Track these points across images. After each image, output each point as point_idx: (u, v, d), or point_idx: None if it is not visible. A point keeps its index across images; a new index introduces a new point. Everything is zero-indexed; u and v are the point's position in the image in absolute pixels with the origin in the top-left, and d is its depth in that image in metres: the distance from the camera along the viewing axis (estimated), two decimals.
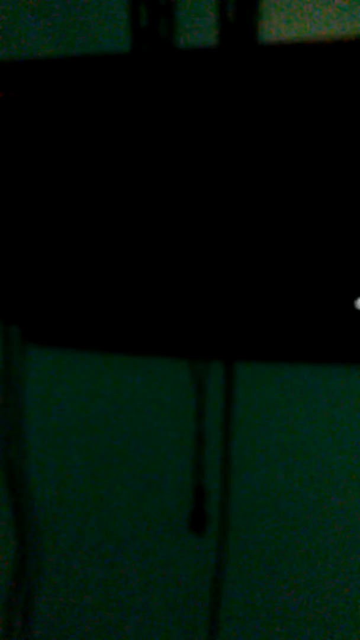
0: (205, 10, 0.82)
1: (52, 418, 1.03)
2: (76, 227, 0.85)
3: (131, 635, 1.07)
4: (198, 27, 0.83)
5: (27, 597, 1.10)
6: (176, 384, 0.96)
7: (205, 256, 0.82)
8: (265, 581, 0.99)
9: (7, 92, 0.80)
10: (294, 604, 0.99)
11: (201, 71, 0.76)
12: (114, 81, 0.78)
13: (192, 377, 0.93)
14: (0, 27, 0.87)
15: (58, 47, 0.85)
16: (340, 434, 0.91)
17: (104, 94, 0.78)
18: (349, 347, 0.81)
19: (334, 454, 0.92)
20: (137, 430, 1.00)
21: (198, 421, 0.95)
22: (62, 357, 1.00)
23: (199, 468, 0.96)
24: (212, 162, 0.78)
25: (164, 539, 1.02)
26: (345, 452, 0.92)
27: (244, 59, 0.75)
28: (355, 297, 0.78)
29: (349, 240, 0.77)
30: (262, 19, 0.81)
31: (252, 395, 0.93)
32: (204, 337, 0.87)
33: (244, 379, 0.93)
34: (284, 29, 0.81)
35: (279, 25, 0.81)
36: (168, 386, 0.96)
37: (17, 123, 0.82)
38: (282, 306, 0.82)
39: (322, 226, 0.77)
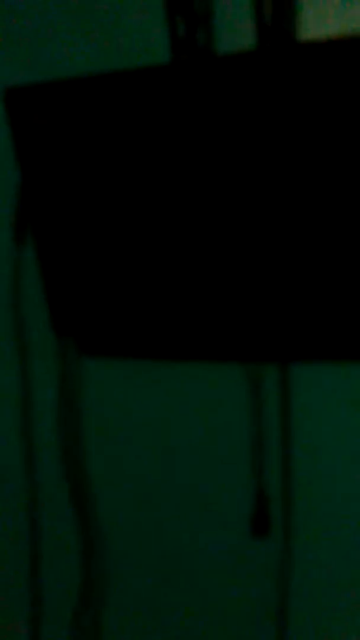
0: (242, 16, 0.82)
1: (111, 428, 1.05)
2: (128, 239, 0.86)
3: (200, 636, 1.08)
4: (236, 32, 0.83)
5: (95, 613, 1.12)
6: (232, 389, 0.96)
7: (258, 261, 0.82)
8: (329, 584, 0.98)
9: (48, 115, 0.82)
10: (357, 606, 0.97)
11: (241, 76, 0.76)
12: (156, 93, 0.78)
13: (248, 381, 0.93)
14: (39, 46, 0.90)
15: (96, 63, 0.86)
16: None
17: (147, 107, 0.79)
18: None
19: None
20: (196, 436, 1.00)
21: (256, 424, 0.94)
22: (118, 368, 1.02)
23: (259, 472, 0.96)
24: (260, 166, 0.78)
25: (227, 545, 1.02)
26: None
27: (283, 60, 0.74)
28: None
29: None
30: (299, 18, 0.80)
31: (310, 397, 0.92)
32: (258, 341, 0.87)
33: (300, 381, 0.92)
34: (321, 26, 0.80)
35: (317, 23, 0.80)
36: (224, 391, 0.96)
37: (61, 141, 0.84)
38: (333, 304, 0.81)
39: None
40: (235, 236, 0.81)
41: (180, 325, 0.89)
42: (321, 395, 0.92)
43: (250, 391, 0.94)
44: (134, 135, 0.81)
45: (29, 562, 1.16)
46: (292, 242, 0.80)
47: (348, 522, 0.95)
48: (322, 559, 0.97)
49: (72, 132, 0.83)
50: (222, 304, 0.85)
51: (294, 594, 1.00)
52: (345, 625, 0.99)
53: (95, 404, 1.05)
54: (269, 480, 0.97)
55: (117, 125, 0.81)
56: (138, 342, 0.96)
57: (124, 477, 1.06)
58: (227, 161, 0.79)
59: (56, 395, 1.04)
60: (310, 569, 0.98)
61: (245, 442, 0.97)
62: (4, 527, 1.15)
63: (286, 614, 1.01)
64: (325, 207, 0.77)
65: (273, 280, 0.82)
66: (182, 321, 0.88)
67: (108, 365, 1.02)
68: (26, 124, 0.84)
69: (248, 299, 0.84)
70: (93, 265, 0.89)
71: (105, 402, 1.04)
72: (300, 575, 0.99)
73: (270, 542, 0.99)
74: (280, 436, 0.94)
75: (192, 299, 0.86)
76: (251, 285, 0.83)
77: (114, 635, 1.15)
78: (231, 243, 0.82)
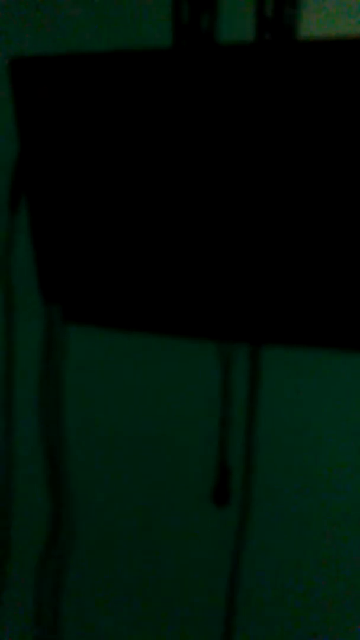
0: (246, 5, 0.85)
1: (88, 395, 1.10)
2: (118, 214, 0.90)
3: (155, 600, 1.15)
4: (240, 20, 0.86)
5: (60, 561, 1.18)
6: (206, 365, 1.00)
7: (238, 243, 0.86)
8: (284, 553, 1.04)
9: (49, 86, 0.85)
10: (312, 576, 1.03)
11: (240, 67, 0.79)
12: (157, 76, 0.81)
13: (220, 358, 0.98)
14: (45, 19, 0.92)
15: (101, 41, 0.89)
16: (355, 415, 0.95)
17: (147, 88, 0.82)
18: None
19: (355, 436, 0.96)
20: (168, 408, 1.05)
21: (224, 401, 0.99)
22: (100, 336, 1.06)
23: (223, 445, 1.01)
24: (251, 155, 0.82)
25: (189, 511, 1.08)
26: None
27: (281, 56, 0.78)
28: None
29: None
30: (301, 14, 0.83)
31: (278, 377, 0.97)
32: (232, 320, 0.91)
33: (271, 362, 0.97)
34: (323, 24, 0.83)
35: (319, 20, 0.83)
36: (197, 367, 1.01)
37: (61, 115, 0.87)
38: (307, 292, 0.85)
39: (348, 221, 0.80)
40: (218, 217, 0.85)
41: (161, 299, 0.93)
42: (290, 378, 0.97)
43: (221, 368, 0.98)
44: (133, 114, 0.84)
45: None
46: (271, 227, 0.84)
47: (305, 497, 1.01)
48: (278, 529, 1.04)
49: (72, 106, 0.86)
50: (201, 282, 0.90)
51: (247, 563, 1.07)
52: (294, 595, 1.06)
53: (76, 370, 1.09)
54: (236, 454, 1.02)
55: (117, 104, 0.84)
56: (120, 313, 1.00)
57: (98, 440, 1.12)
58: (220, 146, 0.82)
59: (39, 357, 1.08)
60: (265, 537, 1.05)
61: (215, 416, 1.02)
62: None
63: (238, 582, 1.07)
64: (309, 198, 0.81)
65: (252, 263, 0.86)
66: (163, 296, 0.93)
67: (91, 332, 1.07)
68: (29, 94, 0.87)
69: (227, 279, 0.88)
70: (83, 236, 0.93)
71: (85, 369, 1.09)
72: (255, 545, 1.06)
73: (229, 511, 1.05)
74: (246, 413, 0.99)
75: (174, 275, 0.91)
76: (231, 266, 0.87)
77: (76, 590, 1.21)
78: (213, 222, 0.86)
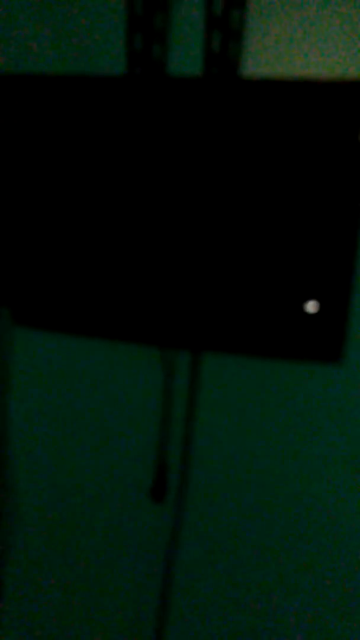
0: (196, 38, 0.91)
1: (34, 396, 1.14)
2: (64, 221, 0.95)
3: (93, 588, 1.19)
4: (188, 53, 0.92)
5: (1, 555, 1.21)
6: (148, 370, 1.06)
7: (181, 254, 0.93)
8: (219, 547, 1.11)
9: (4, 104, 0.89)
10: (246, 568, 1.11)
11: (185, 98, 0.86)
12: (109, 101, 0.87)
13: (163, 364, 1.04)
14: (4, 38, 0.96)
15: (61, 64, 0.94)
16: (293, 420, 1.03)
17: (99, 112, 0.88)
18: (298, 344, 0.92)
19: (289, 436, 1.04)
20: (112, 408, 1.10)
21: (165, 402, 1.06)
22: (47, 340, 1.10)
23: (162, 445, 1.08)
24: (189, 175, 0.89)
25: (128, 505, 1.13)
26: (299, 435, 1.03)
27: (223, 90, 0.85)
28: (304, 302, 0.90)
29: (301, 254, 0.88)
30: (247, 53, 0.90)
31: (217, 382, 1.04)
32: (174, 328, 0.98)
33: (211, 368, 1.04)
34: (267, 64, 0.90)
35: (263, 60, 0.90)
36: (141, 371, 1.07)
37: (18, 128, 0.91)
38: (243, 305, 0.93)
39: (280, 239, 0.88)
40: (160, 226, 0.92)
41: (107, 305, 0.98)
42: (227, 382, 1.03)
43: (163, 373, 1.05)
44: (83, 129, 0.89)
45: None
46: (208, 238, 0.91)
47: (237, 495, 1.08)
48: (211, 523, 1.10)
49: (29, 122, 0.90)
50: (144, 289, 0.96)
51: (181, 558, 1.13)
52: (227, 589, 1.13)
53: (22, 373, 1.13)
54: (170, 453, 1.08)
55: (70, 120, 0.89)
56: (68, 317, 1.05)
57: (42, 439, 1.15)
58: (163, 163, 0.89)
59: None
60: (199, 532, 1.11)
61: (156, 418, 1.08)
62: None
63: (172, 574, 1.14)
64: (242, 212, 0.89)
65: (192, 272, 0.93)
66: (109, 302, 0.98)
67: (38, 336, 1.10)
68: None
69: (167, 286, 0.95)
70: (31, 242, 0.97)
71: (31, 371, 1.12)
72: (189, 539, 1.12)
73: (165, 507, 1.11)
74: (185, 415, 1.05)
75: (118, 282, 0.96)
76: (172, 273, 0.94)
77: (17, 584, 1.24)
78: (156, 232, 0.92)
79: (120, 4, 0.90)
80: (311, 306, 0.90)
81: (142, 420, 1.09)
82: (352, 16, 0.85)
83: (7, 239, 0.98)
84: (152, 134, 0.87)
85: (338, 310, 0.90)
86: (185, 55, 0.91)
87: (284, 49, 0.89)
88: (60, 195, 0.94)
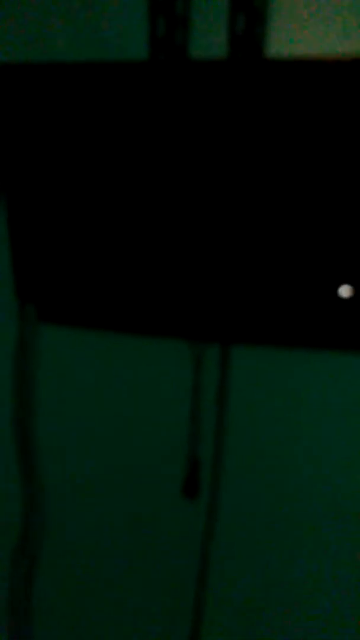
0: (219, 21, 0.90)
1: (62, 392, 1.13)
2: (92, 217, 0.93)
3: (128, 592, 1.18)
4: (212, 36, 0.90)
5: (31, 560, 1.21)
6: (177, 364, 1.05)
7: (209, 246, 0.91)
8: (253, 546, 1.09)
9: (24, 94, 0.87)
10: (282, 568, 1.09)
11: (210, 81, 0.84)
12: (133, 87, 0.85)
13: (192, 357, 1.02)
14: (24, 29, 0.95)
15: (81, 52, 0.92)
16: (324, 414, 1.01)
17: (123, 99, 0.86)
18: (333, 333, 0.90)
19: (322, 431, 1.01)
20: (141, 404, 1.09)
21: (194, 397, 1.04)
22: (73, 336, 1.09)
23: (193, 440, 1.06)
24: (217, 163, 0.87)
25: (160, 503, 1.12)
26: (332, 430, 1.01)
27: (249, 72, 0.83)
28: (337, 286, 0.87)
29: (332, 238, 0.86)
30: (272, 33, 0.88)
31: (248, 375, 1.02)
32: (203, 321, 0.96)
33: (241, 361, 1.02)
34: (292, 44, 0.88)
35: (287, 40, 0.88)
36: (170, 364, 1.05)
37: (42, 120, 0.90)
38: (273, 294, 0.91)
39: (312, 224, 0.86)
40: (190, 219, 0.90)
41: (133, 300, 0.97)
42: (259, 376, 1.02)
43: (193, 366, 1.03)
44: (108, 120, 0.88)
45: None
46: (240, 229, 0.89)
47: (271, 490, 1.06)
48: (245, 522, 1.08)
49: (53, 113, 0.89)
50: (173, 282, 0.94)
51: (215, 555, 1.11)
52: (263, 586, 1.11)
53: (50, 369, 1.12)
54: (203, 449, 1.07)
55: (95, 111, 0.88)
56: (94, 313, 1.03)
57: (72, 437, 1.14)
58: (192, 154, 0.87)
59: (14, 356, 1.10)
60: (233, 529, 1.09)
61: (187, 412, 1.06)
62: None
63: (207, 572, 1.12)
64: (275, 203, 0.86)
65: (221, 264, 0.91)
66: (136, 297, 0.96)
67: (64, 332, 1.09)
68: (11, 100, 0.89)
69: (197, 279, 0.93)
70: (57, 237, 0.96)
71: (59, 368, 1.11)
72: (224, 536, 1.10)
73: (198, 503, 1.09)
74: (216, 409, 1.03)
75: (146, 276, 0.95)
76: (201, 266, 0.92)
77: (48, 586, 1.23)
78: (185, 224, 0.90)
79: None
80: (345, 290, 0.87)
81: (173, 415, 1.07)
82: None
83: (29, 235, 0.97)
84: (179, 119, 0.86)
85: None
86: (209, 40, 0.90)
87: (309, 29, 0.87)
88: (84, 187, 0.92)
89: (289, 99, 0.82)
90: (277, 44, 0.87)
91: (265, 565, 1.09)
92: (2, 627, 1.26)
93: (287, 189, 0.85)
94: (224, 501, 1.08)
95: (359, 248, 0.85)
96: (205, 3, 0.88)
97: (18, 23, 0.94)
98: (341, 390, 0.99)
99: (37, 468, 1.17)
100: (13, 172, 0.94)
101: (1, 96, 0.90)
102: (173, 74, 0.84)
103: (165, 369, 1.05)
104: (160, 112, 0.86)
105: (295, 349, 0.98)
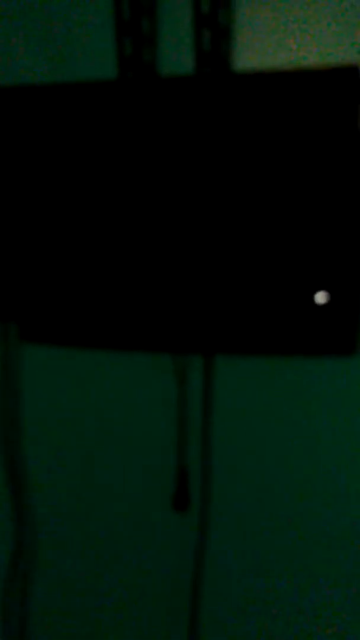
0: (185, 39, 0.92)
1: (47, 410, 1.13)
2: (69, 234, 0.94)
3: (122, 602, 1.17)
4: (178, 53, 0.92)
5: (25, 571, 1.20)
6: (160, 377, 1.05)
7: (186, 262, 0.91)
8: (244, 555, 1.09)
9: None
10: (272, 575, 1.09)
11: (179, 96, 0.86)
12: (103, 105, 0.87)
13: (175, 370, 1.03)
14: None
15: (51, 74, 0.94)
16: (305, 418, 1.01)
17: (94, 117, 0.87)
18: (310, 339, 0.91)
19: (303, 436, 1.02)
20: (126, 419, 1.09)
21: (180, 409, 1.04)
22: (56, 354, 1.09)
23: (181, 452, 1.06)
24: (189, 177, 0.88)
25: (150, 517, 1.12)
26: (317, 437, 1.02)
27: (216, 86, 0.84)
28: (313, 293, 0.88)
29: (306, 247, 0.87)
30: (237, 49, 0.90)
31: (230, 385, 1.03)
32: (184, 334, 0.97)
33: (223, 371, 1.03)
34: (256, 58, 0.90)
35: (252, 55, 0.90)
36: (153, 379, 1.06)
37: (15, 140, 0.91)
38: (252, 304, 0.91)
39: (286, 234, 0.87)
40: (165, 233, 0.91)
41: (116, 317, 0.97)
42: (240, 384, 1.02)
43: (176, 379, 1.03)
44: (81, 137, 0.89)
45: None
46: (211, 237, 0.90)
47: (260, 498, 1.06)
48: (236, 532, 1.09)
49: (23, 133, 0.90)
50: (153, 299, 0.95)
51: (208, 566, 1.11)
52: (255, 597, 1.11)
53: (33, 387, 1.12)
54: (191, 461, 1.07)
55: (67, 129, 0.89)
56: (75, 331, 1.03)
57: (59, 453, 1.14)
58: (163, 168, 0.88)
59: None
60: (224, 541, 1.09)
61: (173, 425, 1.06)
62: None
63: (199, 586, 1.11)
64: (247, 212, 0.88)
65: (199, 280, 0.92)
66: (117, 314, 0.97)
67: (47, 351, 1.10)
68: None
69: (178, 296, 0.94)
70: (38, 258, 0.97)
71: (43, 386, 1.12)
72: (215, 548, 1.10)
73: (189, 516, 1.09)
74: (202, 421, 1.04)
75: (125, 294, 0.95)
76: (180, 281, 0.93)
77: (42, 603, 1.23)
78: (161, 239, 0.91)
79: (108, 10, 0.91)
80: (321, 297, 0.89)
81: (159, 429, 1.07)
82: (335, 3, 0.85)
83: (10, 255, 0.98)
84: (150, 136, 0.87)
85: (349, 301, 0.89)
86: (176, 57, 0.91)
87: (273, 42, 0.89)
88: (61, 206, 0.93)
89: (256, 110, 0.83)
90: (243, 59, 0.89)
91: (260, 576, 1.09)
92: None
93: (262, 197, 0.86)
94: (213, 511, 1.08)
95: (332, 255, 0.87)
96: (171, 21, 0.90)
97: None
98: (324, 394, 1.00)
99: (25, 487, 1.16)
100: None
101: None
102: (142, 91, 0.86)
103: (149, 384, 1.06)
104: (131, 128, 0.87)
105: (277, 357, 0.99)
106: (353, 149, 0.82)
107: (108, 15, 0.90)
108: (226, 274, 0.91)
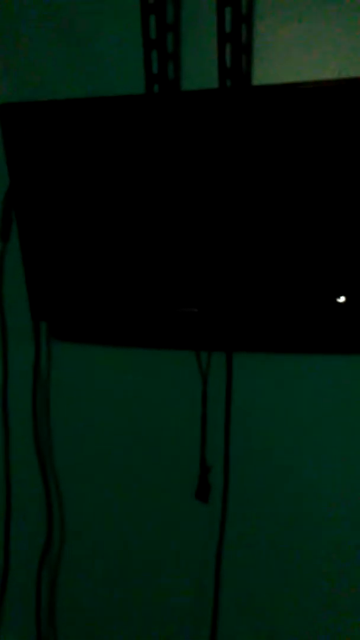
0: (207, 55, 0.96)
1: (76, 406, 1.18)
2: (98, 235, 0.99)
3: (145, 588, 1.22)
4: (202, 70, 0.97)
5: (54, 564, 1.25)
6: (185, 373, 1.10)
7: (211, 263, 0.96)
8: (260, 541, 1.13)
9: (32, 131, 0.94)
10: (291, 564, 1.13)
11: (202, 109, 0.90)
12: (132, 118, 0.92)
13: (199, 367, 1.08)
14: (26, 70, 1.02)
15: (82, 89, 1.00)
16: (321, 415, 1.05)
17: (123, 130, 0.93)
18: (332, 338, 0.94)
19: (320, 432, 1.06)
20: (152, 414, 1.14)
21: (203, 404, 1.09)
22: (86, 352, 1.14)
23: (203, 445, 1.11)
24: (213, 184, 0.92)
25: (173, 506, 1.16)
26: (328, 431, 1.06)
27: (237, 99, 0.89)
28: (338, 294, 0.92)
29: (329, 249, 0.91)
30: (258, 64, 0.94)
31: (251, 381, 1.07)
32: (208, 331, 1.01)
33: (244, 368, 1.07)
34: (277, 72, 0.94)
35: (272, 69, 0.94)
36: (178, 375, 1.10)
37: (47, 151, 0.96)
38: (274, 304, 0.95)
39: (310, 236, 0.91)
40: (192, 238, 0.95)
41: (142, 317, 1.02)
42: (261, 380, 1.06)
43: (201, 375, 1.08)
44: (111, 150, 0.94)
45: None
46: (238, 243, 0.94)
47: (278, 491, 1.10)
48: (255, 521, 1.13)
49: (57, 144, 0.96)
50: (179, 298, 0.99)
51: (226, 554, 1.15)
52: (273, 584, 1.15)
53: (64, 384, 1.17)
54: (213, 454, 1.11)
55: (94, 142, 0.94)
56: (104, 329, 1.09)
57: (88, 448, 1.19)
58: (187, 177, 0.93)
59: (30, 373, 1.16)
60: (243, 529, 1.14)
61: (196, 421, 1.11)
62: None
63: (220, 568, 1.16)
64: (270, 218, 0.91)
65: (222, 280, 0.97)
66: (143, 314, 1.02)
67: (77, 349, 1.15)
68: (16, 134, 0.96)
69: (202, 295, 0.98)
70: (69, 258, 1.02)
71: (73, 383, 1.17)
72: (234, 536, 1.14)
73: (210, 505, 1.14)
74: (224, 415, 1.08)
75: (152, 296, 1.00)
76: (204, 279, 0.97)
77: (70, 591, 1.28)
78: (190, 245, 0.96)
79: (135, 28, 0.96)
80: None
81: (183, 424, 1.12)
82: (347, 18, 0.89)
83: (42, 255, 1.03)
84: (176, 148, 0.92)
85: None
86: (199, 73, 0.96)
87: (292, 57, 0.93)
88: (92, 210, 0.98)
89: (277, 122, 0.87)
90: (263, 73, 0.94)
91: (279, 563, 1.13)
92: (7, 628, 1.31)
93: (285, 206, 0.90)
94: (232, 501, 1.12)
95: (354, 257, 0.90)
96: (193, 39, 0.95)
97: (16, 62, 1.01)
98: (343, 392, 1.03)
99: (54, 479, 1.22)
100: (25, 198, 1.00)
101: (8, 132, 0.96)
102: (168, 104, 0.91)
103: (174, 380, 1.10)
104: (158, 140, 0.92)
105: (297, 354, 1.03)
106: None
107: (135, 34, 0.95)
108: (250, 275, 0.95)
